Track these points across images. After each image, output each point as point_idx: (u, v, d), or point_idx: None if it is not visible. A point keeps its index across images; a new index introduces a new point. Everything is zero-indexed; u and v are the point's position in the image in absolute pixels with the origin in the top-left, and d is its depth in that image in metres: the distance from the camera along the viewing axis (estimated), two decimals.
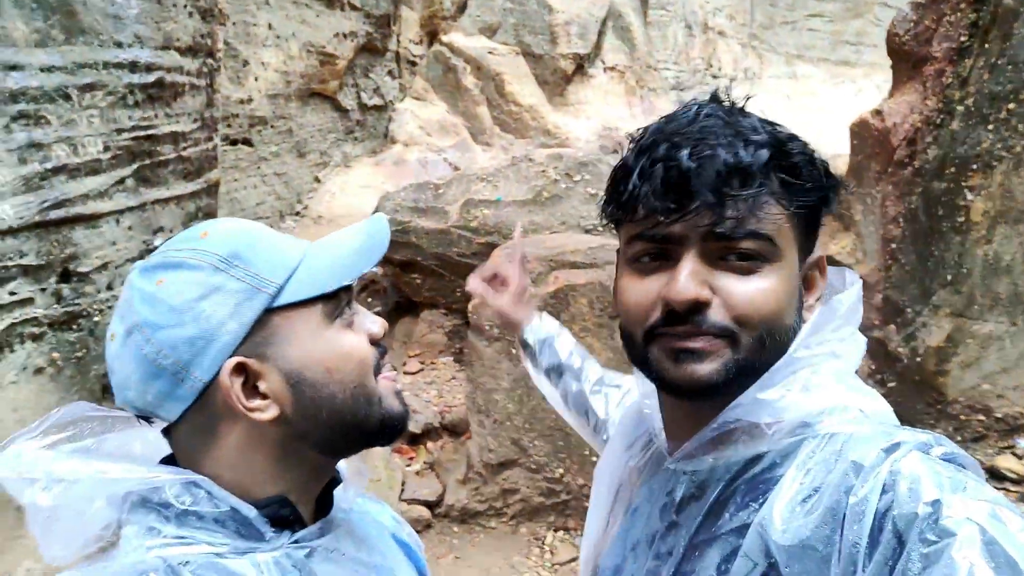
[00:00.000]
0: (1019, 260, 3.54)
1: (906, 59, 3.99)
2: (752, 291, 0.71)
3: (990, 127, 3.48)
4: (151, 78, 3.70)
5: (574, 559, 3.30)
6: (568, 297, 3.47)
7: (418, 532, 3.50)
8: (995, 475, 3.58)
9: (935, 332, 3.67)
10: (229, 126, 6.48)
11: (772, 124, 0.76)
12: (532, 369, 1.42)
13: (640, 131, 0.79)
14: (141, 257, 3.78)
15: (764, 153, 0.70)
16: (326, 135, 8.10)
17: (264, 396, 0.70)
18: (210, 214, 4.65)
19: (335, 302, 0.73)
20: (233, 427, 0.71)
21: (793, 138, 0.75)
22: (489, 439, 3.53)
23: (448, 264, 4.89)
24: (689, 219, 0.71)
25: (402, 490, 3.60)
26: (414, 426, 3.91)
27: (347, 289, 0.75)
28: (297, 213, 7.48)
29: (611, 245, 3.69)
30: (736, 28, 16.61)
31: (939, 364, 3.67)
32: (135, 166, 3.64)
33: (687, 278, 0.71)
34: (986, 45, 3.53)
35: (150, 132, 3.75)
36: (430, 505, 3.55)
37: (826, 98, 17.22)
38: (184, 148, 4.13)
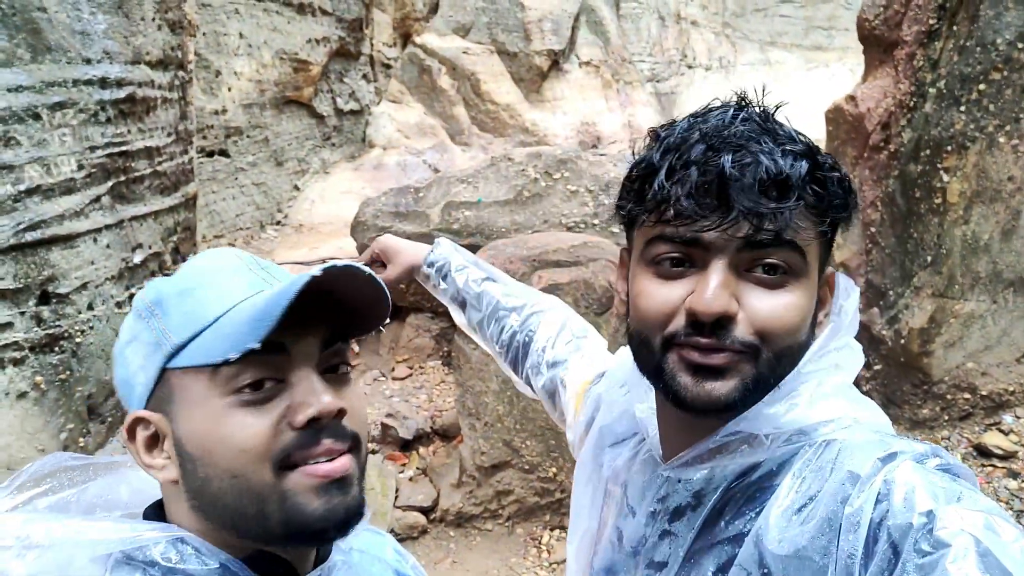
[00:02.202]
0: (996, 238, 3.58)
1: (877, 44, 4.03)
2: (779, 306, 0.68)
3: (962, 108, 3.51)
4: (122, 93, 3.66)
5: None
6: (553, 296, 3.46)
7: (414, 538, 3.50)
8: (983, 452, 3.62)
9: (918, 313, 3.71)
10: (204, 138, 6.43)
11: (803, 134, 0.73)
12: (440, 297, 1.38)
13: (665, 128, 0.75)
14: (121, 275, 3.75)
15: (804, 164, 0.68)
16: (303, 142, 8.06)
17: (168, 455, 0.66)
18: (189, 228, 4.61)
19: (228, 375, 0.62)
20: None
21: (820, 151, 0.72)
22: (481, 442, 3.52)
23: None
24: (726, 227, 0.67)
25: (396, 497, 3.59)
26: (405, 432, 3.90)
27: (264, 360, 0.63)
28: (278, 222, 7.44)
29: (594, 243, 3.69)
30: (709, 17, 16.69)
31: (923, 345, 3.71)
32: (110, 183, 3.61)
33: (718, 289, 0.67)
34: (954, 27, 3.57)
35: (124, 148, 3.71)
36: (425, 511, 3.54)
37: (800, 83, 17.35)
38: (159, 163, 4.10)
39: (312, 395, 0.64)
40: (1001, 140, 3.47)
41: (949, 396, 3.78)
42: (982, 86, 3.48)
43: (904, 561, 0.56)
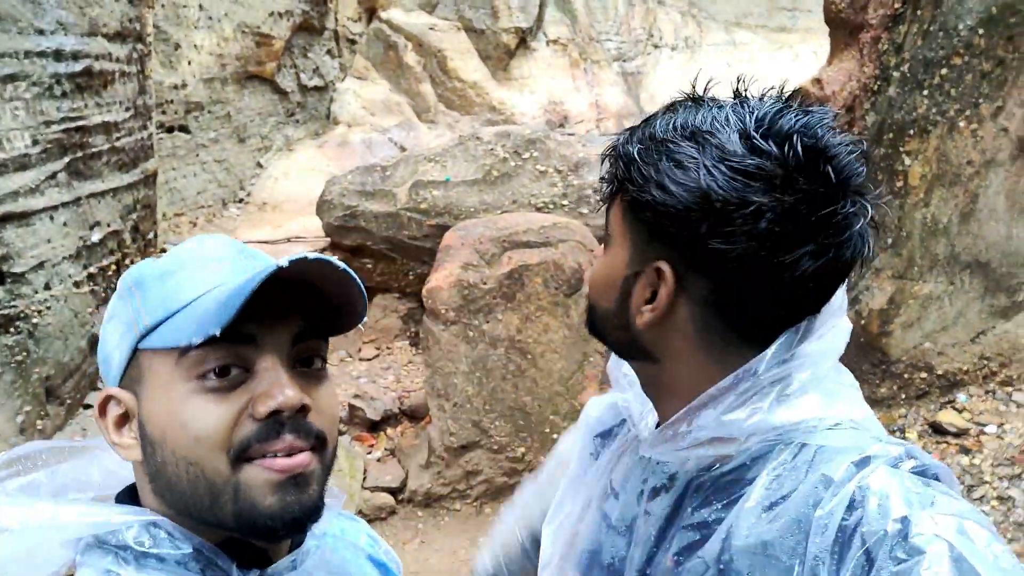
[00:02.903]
0: (955, 221, 3.67)
1: (843, 27, 4.06)
2: (595, 264, 0.81)
3: (925, 92, 3.57)
4: (78, 66, 3.54)
5: None
6: (523, 277, 3.47)
7: (382, 519, 3.49)
8: (937, 430, 3.73)
9: (878, 295, 3.79)
10: (164, 113, 6.26)
11: (667, 119, 0.73)
12: None
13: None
14: (79, 254, 3.65)
15: (610, 151, 0.77)
16: (266, 118, 7.89)
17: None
18: (148, 206, 4.50)
19: (194, 360, 0.62)
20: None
21: (630, 139, 0.75)
22: (449, 422, 3.53)
23: (399, 247, 4.84)
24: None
25: (364, 478, 3.58)
26: (373, 413, 3.89)
27: (231, 346, 0.62)
28: (240, 200, 7.29)
29: (563, 223, 3.70)
30: None
31: (882, 325, 3.80)
32: (67, 159, 3.50)
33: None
34: (919, 12, 3.61)
35: (80, 123, 3.59)
36: (393, 491, 3.55)
37: (765, 64, 17.47)
38: (118, 138, 3.98)
39: (276, 387, 0.62)
40: (961, 124, 3.54)
41: (906, 375, 3.88)
42: (944, 71, 3.54)
43: (879, 568, 0.57)
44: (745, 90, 0.74)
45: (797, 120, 0.68)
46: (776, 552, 0.64)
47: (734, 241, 0.66)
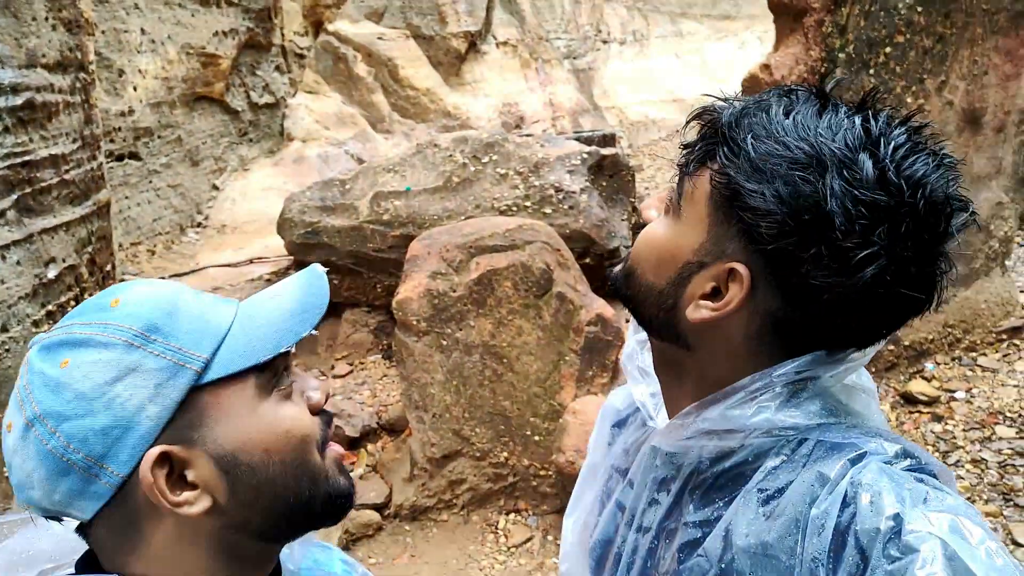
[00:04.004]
0: None
1: (787, 12, 4.13)
2: (646, 229, 0.78)
3: (871, 72, 3.65)
4: (19, 100, 3.44)
5: (528, 539, 3.33)
6: (492, 282, 3.45)
7: (370, 536, 3.45)
8: (909, 400, 3.81)
9: None
10: (112, 141, 6.12)
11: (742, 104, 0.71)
12: None
13: None
14: (35, 293, 3.54)
15: (707, 121, 0.73)
16: (218, 139, 7.76)
17: (193, 486, 0.61)
18: (104, 237, 4.39)
19: (270, 372, 0.65)
20: (159, 523, 0.62)
21: (740, 121, 0.69)
22: (430, 433, 3.50)
23: (364, 261, 4.79)
24: None
25: None
26: (352, 430, 3.84)
27: (284, 355, 0.66)
28: (199, 224, 7.17)
29: (528, 225, 3.69)
30: None
31: None
32: (15, 196, 3.39)
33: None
34: None
35: (26, 158, 3.49)
36: (379, 508, 3.50)
37: (712, 53, 17.76)
38: (66, 171, 3.88)
39: (312, 383, 0.69)
40: (908, 100, 3.63)
41: None
42: (888, 49, 3.62)
43: (873, 568, 0.57)
44: (871, 103, 0.68)
45: (931, 165, 0.64)
46: (776, 553, 0.64)
47: (834, 276, 0.63)
